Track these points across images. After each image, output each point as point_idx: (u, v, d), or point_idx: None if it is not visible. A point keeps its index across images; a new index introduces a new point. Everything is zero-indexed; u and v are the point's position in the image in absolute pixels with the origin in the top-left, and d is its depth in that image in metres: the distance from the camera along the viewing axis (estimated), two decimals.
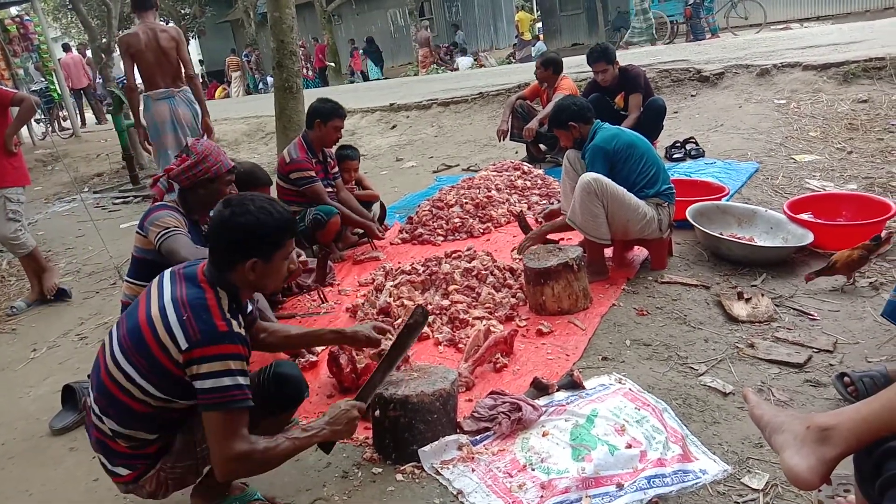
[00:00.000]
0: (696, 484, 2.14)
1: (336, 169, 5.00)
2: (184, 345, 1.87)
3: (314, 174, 4.66)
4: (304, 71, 19.96)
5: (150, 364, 1.92)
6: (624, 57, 6.07)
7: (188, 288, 1.99)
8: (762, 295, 3.36)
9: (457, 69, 19.42)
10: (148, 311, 1.97)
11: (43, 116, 14.17)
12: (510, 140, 6.82)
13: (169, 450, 2.08)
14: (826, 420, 1.36)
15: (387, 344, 2.66)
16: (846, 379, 2.50)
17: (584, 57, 6.00)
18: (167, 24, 6.17)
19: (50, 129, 14.63)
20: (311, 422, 2.14)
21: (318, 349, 3.31)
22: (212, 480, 2.16)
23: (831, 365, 2.76)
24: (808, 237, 3.76)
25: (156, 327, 1.92)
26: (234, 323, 1.95)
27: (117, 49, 12.13)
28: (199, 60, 30.19)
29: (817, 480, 1.32)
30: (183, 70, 5.93)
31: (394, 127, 9.81)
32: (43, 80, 13.99)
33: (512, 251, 4.33)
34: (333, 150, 5.07)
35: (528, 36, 20.07)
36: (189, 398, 1.95)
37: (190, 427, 2.08)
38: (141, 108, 6.06)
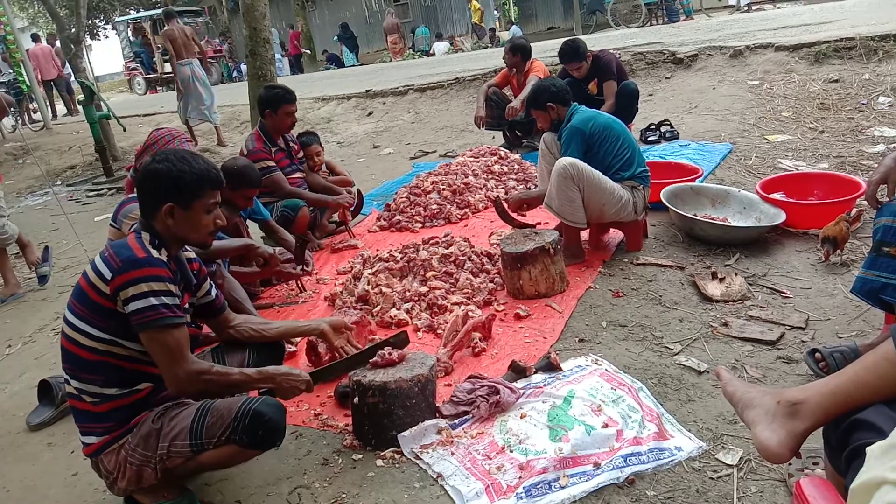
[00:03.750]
0: (671, 461, 2.18)
1: (301, 153, 4.98)
2: (108, 275, 2.01)
3: (273, 164, 4.63)
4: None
5: (86, 306, 2.05)
6: (597, 41, 6.07)
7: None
8: (735, 274, 3.41)
9: (433, 54, 19.32)
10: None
11: (12, 109, 13.89)
12: (486, 129, 6.82)
13: (136, 430, 2.13)
14: (795, 395, 1.38)
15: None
16: (817, 355, 2.55)
17: (559, 43, 6.00)
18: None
19: (20, 121, 14.35)
20: (267, 368, 2.27)
21: (297, 338, 3.31)
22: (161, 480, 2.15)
23: (803, 341, 2.81)
24: (781, 216, 3.81)
25: (87, 273, 2.07)
26: (154, 251, 2.08)
27: (87, 38, 11.93)
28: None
29: (787, 453, 1.35)
30: (198, 50, 9.95)
31: (370, 114, 9.75)
32: (11, 71, 13.72)
33: (490, 236, 4.34)
34: (295, 135, 5.05)
35: (482, 23, 20.48)
36: (128, 337, 2.05)
37: (159, 416, 2.13)
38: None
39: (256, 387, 2.24)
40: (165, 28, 9.92)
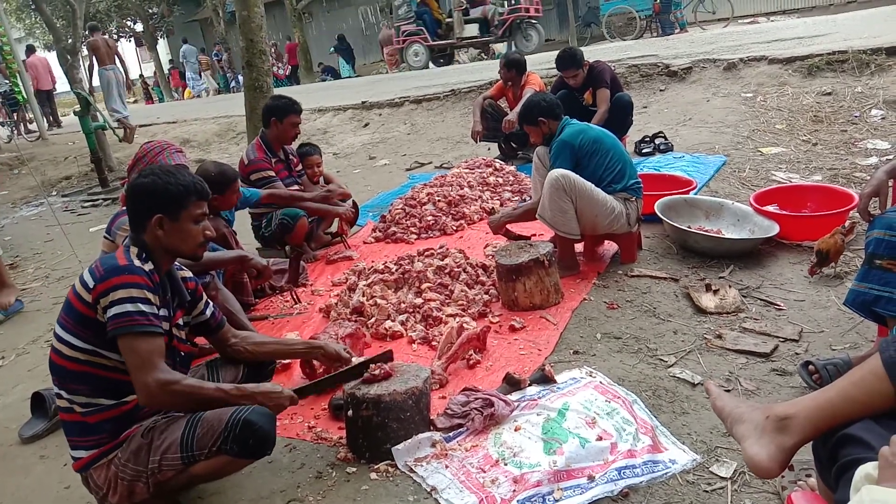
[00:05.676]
0: (665, 474, 2.18)
1: (300, 166, 4.99)
2: (91, 284, 2.04)
3: (273, 174, 4.63)
4: (276, 70, 19.84)
5: (72, 317, 2.07)
6: (592, 53, 6.10)
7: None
8: (729, 286, 3.42)
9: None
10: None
11: (7, 119, 13.88)
12: (482, 141, 6.84)
13: (125, 445, 2.13)
14: (784, 409, 1.39)
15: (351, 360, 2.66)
16: (811, 367, 2.56)
17: (555, 55, 6.02)
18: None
19: (16, 131, 14.34)
20: (246, 385, 2.24)
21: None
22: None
23: (797, 354, 2.82)
24: (774, 229, 3.83)
25: (75, 284, 2.10)
26: (137, 262, 2.11)
27: (84, 49, 12.09)
28: (170, 60, 29.98)
29: (777, 468, 1.36)
30: (116, 55, 11.45)
31: (366, 125, 9.78)
32: (7, 82, 13.73)
33: (485, 248, 4.35)
34: (295, 147, 5.05)
35: None
36: (108, 347, 2.06)
37: (149, 430, 2.14)
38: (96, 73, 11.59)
39: (234, 404, 2.15)
40: (90, 38, 11.44)
